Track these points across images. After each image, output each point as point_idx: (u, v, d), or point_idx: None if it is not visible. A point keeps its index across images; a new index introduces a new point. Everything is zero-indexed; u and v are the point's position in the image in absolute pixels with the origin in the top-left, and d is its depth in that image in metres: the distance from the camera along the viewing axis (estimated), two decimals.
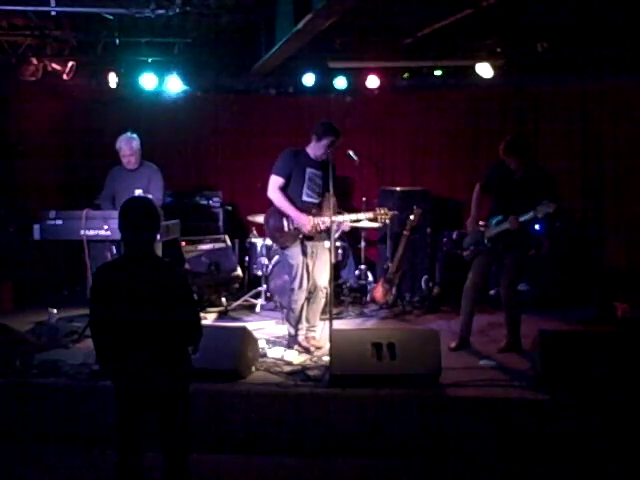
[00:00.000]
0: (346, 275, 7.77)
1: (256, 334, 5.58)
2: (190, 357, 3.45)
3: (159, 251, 5.89)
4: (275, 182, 5.77)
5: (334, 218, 5.69)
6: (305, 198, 5.82)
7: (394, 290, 7.38)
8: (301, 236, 5.81)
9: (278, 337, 6.27)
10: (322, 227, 5.81)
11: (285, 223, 5.81)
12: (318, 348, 5.87)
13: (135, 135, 6.75)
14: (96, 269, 3.46)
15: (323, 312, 6.26)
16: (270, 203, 5.88)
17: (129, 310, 3.21)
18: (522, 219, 5.62)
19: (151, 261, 3.36)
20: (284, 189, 5.79)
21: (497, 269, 6.13)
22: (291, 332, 5.94)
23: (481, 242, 5.91)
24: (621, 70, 7.69)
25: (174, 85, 7.95)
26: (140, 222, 3.32)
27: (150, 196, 6.16)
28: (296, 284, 5.86)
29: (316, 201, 5.87)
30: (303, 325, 5.95)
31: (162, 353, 3.26)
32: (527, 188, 5.70)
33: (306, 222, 5.76)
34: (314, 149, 5.80)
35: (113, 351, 3.29)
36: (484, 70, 7.75)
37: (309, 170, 5.80)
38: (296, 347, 5.84)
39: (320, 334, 5.98)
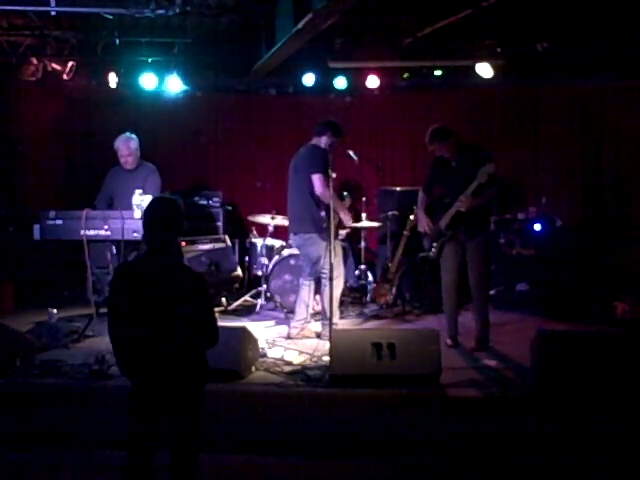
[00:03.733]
0: (346, 275, 7.76)
1: (256, 334, 5.58)
2: (206, 359, 3.42)
3: None
4: (325, 180, 5.85)
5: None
6: None
7: (394, 290, 7.38)
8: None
9: (278, 337, 6.27)
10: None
11: (338, 218, 6.16)
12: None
13: (134, 135, 6.73)
14: (116, 267, 3.40)
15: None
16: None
17: (148, 311, 3.18)
18: (469, 191, 5.58)
19: (170, 263, 3.30)
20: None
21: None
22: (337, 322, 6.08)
23: (441, 234, 5.85)
24: (621, 70, 7.70)
25: (174, 85, 7.95)
26: (162, 222, 3.26)
27: (150, 196, 6.17)
28: (342, 272, 6.28)
29: None
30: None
31: (180, 355, 3.24)
32: (465, 171, 5.67)
33: (350, 217, 6.36)
34: (326, 144, 6.01)
35: (131, 352, 3.25)
36: (484, 70, 7.74)
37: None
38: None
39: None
